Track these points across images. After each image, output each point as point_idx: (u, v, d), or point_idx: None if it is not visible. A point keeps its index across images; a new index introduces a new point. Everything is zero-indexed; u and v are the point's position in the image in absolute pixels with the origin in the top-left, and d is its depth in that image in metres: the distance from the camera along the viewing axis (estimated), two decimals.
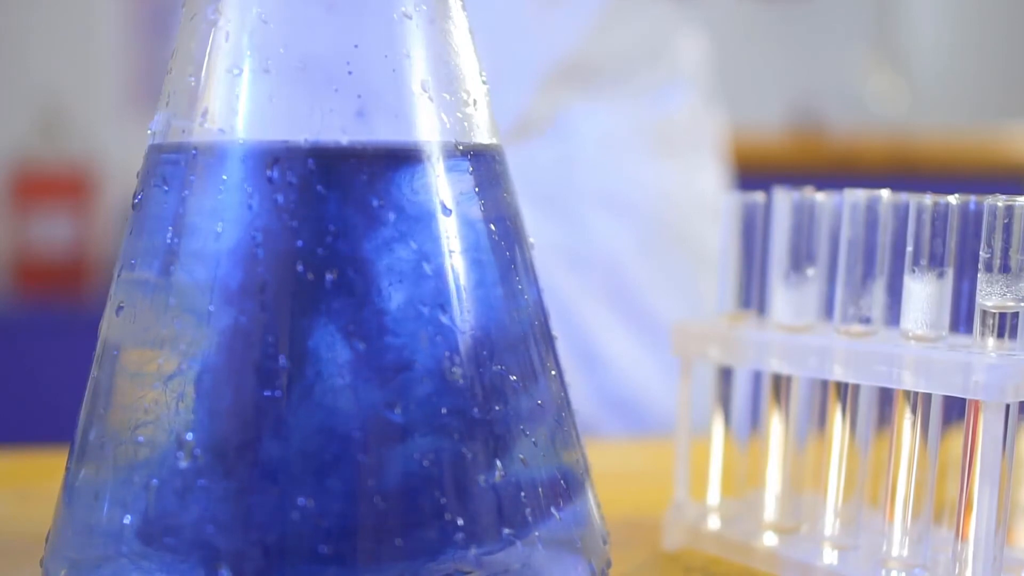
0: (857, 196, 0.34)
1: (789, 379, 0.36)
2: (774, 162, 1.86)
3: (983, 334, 0.31)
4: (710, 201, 0.77)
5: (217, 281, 0.28)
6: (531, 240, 0.33)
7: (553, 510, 0.29)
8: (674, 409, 0.40)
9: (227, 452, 0.27)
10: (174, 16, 0.34)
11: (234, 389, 0.27)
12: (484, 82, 0.32)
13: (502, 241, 0.30)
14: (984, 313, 0.31)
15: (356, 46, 0.29)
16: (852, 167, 1.93)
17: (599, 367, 0.72)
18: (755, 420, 0.39)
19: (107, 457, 0.28)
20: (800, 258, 0.36)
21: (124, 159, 1.76)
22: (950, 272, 0.32)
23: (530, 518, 0.29)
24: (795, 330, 0.36)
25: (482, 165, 0.31)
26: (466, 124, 0.30)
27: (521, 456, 0.29)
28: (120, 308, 0.29)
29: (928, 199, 0.32)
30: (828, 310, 0.36)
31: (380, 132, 0.29)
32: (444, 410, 0.28)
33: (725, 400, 0.38)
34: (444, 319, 0.28)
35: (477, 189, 0.30)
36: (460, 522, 0.27)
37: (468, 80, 0.31)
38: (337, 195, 0.28)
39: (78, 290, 1.76)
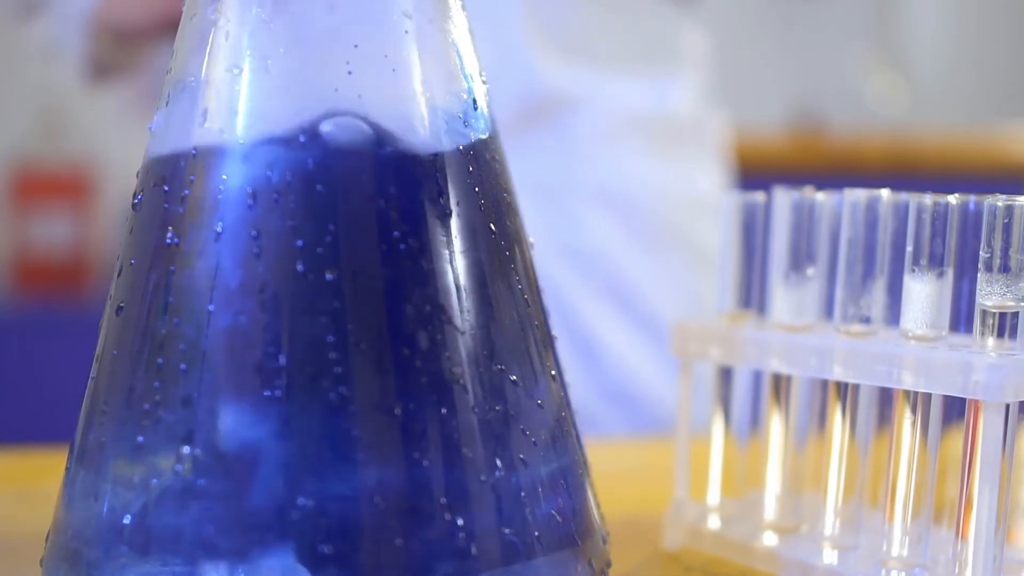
0: (857, 196, 0.34)
1: (789, 379, 0.36)
2: (774, 162, 1.86)
3: (983, 334, 0.31)
4: (710, 200, 0.77)
5: (217, 281, 0.28)
6: (531, 240, 0.33)
7: (553, 510, 0.29)
8: (674, 403, 0.40)
9: (227, 452, 0.27)
10: None
11: (234, 389, 0.27)
12: (484, 82, 0.32)
13: (502, 241, 0.30)
14: (984, 313, 0.31)
15: (356, 46, 0.29)
16: (852, 167, 1.93)
17: (599, 361, 0.72)
18: (755, 420, 0.39)
19: (107, 457, 0.28)
20: (800, 258, 0.36)
21: (124, 159, 1.76)
22: (950, 272, 0.32)
23: (530, 518, 0.29)
24: (795, 330, 0.36)
25: (482, 165, 0.31)
26: (466, 124, 0.30)
27: (521, 456, 0.29)
28: (120, 308, 0.29)
29: (928, 199, 0.32)
30: (828, 310, 0.36)
31: (380, 132, 0.29)
32: (444, 410, 0.28)
33: (725, 400, 0.38)
34: (444, 319, 0.28)
35: (477, 189, 0.30)
36: (460, 522, 0.27)
37: (468, 80, 0.31)
38: (337, 195, 0.28)
39: (78, 290, 1.76)
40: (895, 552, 0.33)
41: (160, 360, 0.28)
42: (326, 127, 0.28)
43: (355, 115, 0.29)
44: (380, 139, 0.29)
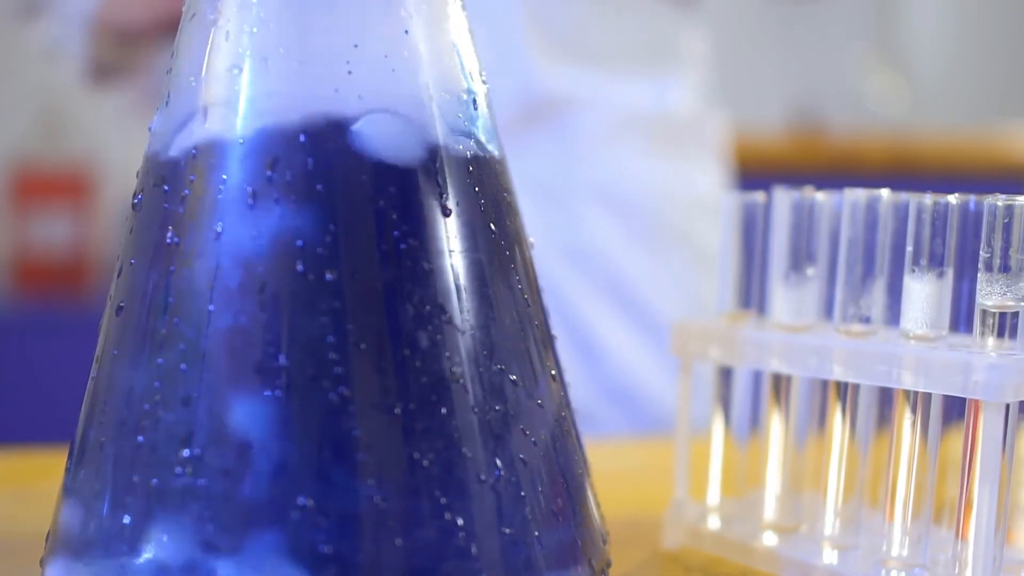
0: (857, 196, 0.34)
1: (789, 379, 0.36)
2: (774, 162, 1.86)
3: (983, 334, 0.31)
4: (710, 200, 0.77)
5: (217, 281, 0.28)
6: (531, 240, 0.33)
7: (553, 510, 0.29)
8: (674, 404, 0.40)
9: (227, 452, 0.27)
10: None
11: (234, 389, 0.27)
12: (484, 82, 0.32)
13: (502, 241, 0.30)
14: (984, 313, 0.31)
15: (356, 46, 0.29)
16: (852, 167, 1.93)
17: (599, 361, 0.72)
18: (755, 420, 0.39)
19: (107, 457, 0.28)
20: (800, 258, 0.36)
21: (124, 159, 1.76)
22: (950, 272, 0.32)
23: (530, 518, 0.29)
24: (795, 330, 0.36)
25: (482, 165, 0.31)
26: (466, 124, 0.30)
27: (521, 456, 0.29)
28: (120, 308, 0.29)
29: (928, 199, 0.32)
30: (828, 310, 0.36)
31: (380, 132, 0.29)
32: (444, 410, 0.28)
33: (725, 400, 0.38)
34: (444, 319, 0.28)
35: (477, 189, 0.30)
36: (460, 522, 0.27)
37: (468, 80, 0.31)
38: (337, 195, 0.28)
39: (78, 290, 1.76)
40: (895, 552, 0.33)
41: (160, 360, 0.28)
42: (326, 127, 0.28)
43: (355, 115, 0.29)
44: (379, 139, 0.29)
